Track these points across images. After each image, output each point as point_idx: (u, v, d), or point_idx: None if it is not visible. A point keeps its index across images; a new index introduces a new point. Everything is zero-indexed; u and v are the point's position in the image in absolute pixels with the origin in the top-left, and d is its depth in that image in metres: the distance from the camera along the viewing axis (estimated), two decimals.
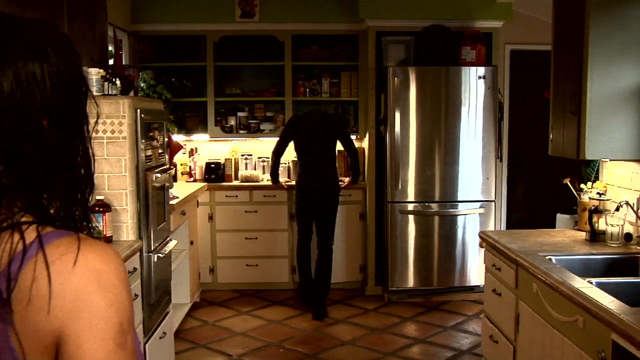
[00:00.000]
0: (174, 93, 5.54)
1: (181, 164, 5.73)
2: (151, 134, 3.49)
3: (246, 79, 5.96)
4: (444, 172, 5.21)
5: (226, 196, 5.53)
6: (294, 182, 5.27)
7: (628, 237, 2.97)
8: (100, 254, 0.83)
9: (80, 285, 0.80)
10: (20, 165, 0.83)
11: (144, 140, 3.32)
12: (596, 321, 2.11)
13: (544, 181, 5.90)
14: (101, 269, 0.82)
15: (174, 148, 5.00)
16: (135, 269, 3.20)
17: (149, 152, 3.45)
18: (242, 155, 5.86)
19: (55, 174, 0.86)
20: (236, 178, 5.75)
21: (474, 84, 5.16)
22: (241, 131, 5.80)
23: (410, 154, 5.18)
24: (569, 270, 2.58)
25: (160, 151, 3.71)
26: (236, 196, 5.53)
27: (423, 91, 5.16)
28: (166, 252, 3.66)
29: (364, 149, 5.66)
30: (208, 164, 5.69)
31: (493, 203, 5.29)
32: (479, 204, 5.26)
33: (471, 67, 5.15)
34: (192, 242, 5.00)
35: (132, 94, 3.74)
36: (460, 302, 5.26)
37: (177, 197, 4.47)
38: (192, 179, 5.74)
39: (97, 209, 3.02)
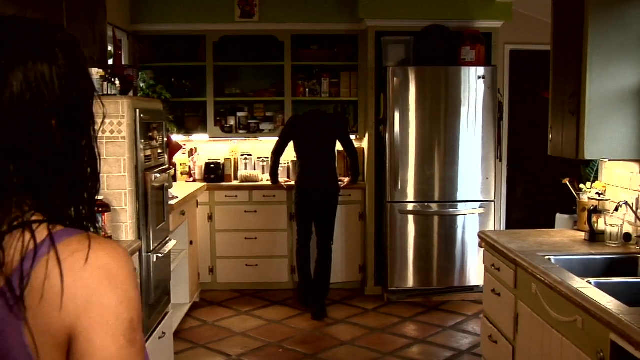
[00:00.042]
0: (174, 93, 5.54)
1: (181, 164, 5.73)
2: (150, 134, 3.49)
3: (246, 79, 5.96)
4: (443, 172, 5.21)
5: (226, 196, 5.53)
6: (293, 182, 5.27)
7: (627, 237, 2.97)
8: (111, 251, 0.85)
9: (91, 282, 0.82)
10: (30, 164, 0.84)
11: (143, 140, 3.32)
12: (595, 321, 2.11)
13: (544, 181, 5.90)
14: (112, 266, 0.84)
15: (173, 148, 5.00)
16: (134, 269, 3.19)
17: (148, 152, 3.45)
18: (242, 155, 5.86)
19: (63, 173, 0.88)
20: (236, 178, 5.75)
21: (473, 84, 5.16)
22: (241, 131, 5.80)
23: (410, 154, 5.18)
24: (568, 270, 2.58)
25: (159, 151, 3.72)
26: (236, 196, 5.53)
27: (423, 91, 5.16)
28: (165, 252, 3.66)
29: (363, 149, 5.66)
30: (207, 164, 5.69)
31: (492, 203, 5.30)
32: (479, 204, 5.26)
33: (471, 67, 5.15)
34: (191, 242, 5.00)
35: (131, 94, 3.74)
36: (460, 302, 5.26)
37: (177, 197, 4.47)
38: (191, 179, 5.74)
39: (96, 208, 3.02)
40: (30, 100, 0.83)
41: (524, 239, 3.17)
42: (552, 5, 3.38)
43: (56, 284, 0.80)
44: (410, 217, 5.23)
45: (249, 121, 5.81)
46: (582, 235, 3.21)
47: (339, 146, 5.15)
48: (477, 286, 5.15)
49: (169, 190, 4.08)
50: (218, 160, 5.73)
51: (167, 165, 3.91)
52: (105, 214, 3.07)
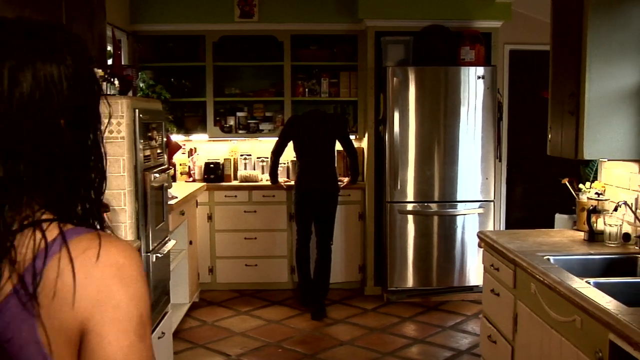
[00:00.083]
0: (173, 93, 5.54)
1: (180, 164, 5.74)
2: (150, 134, 3.49)
3: (245, 79, 5.96)
4: (443, 172, 5.21)
5: (225, 196, 5.53)
6: (293, 182, 5.27)
7: (626, 237, 2.97)
8: (121, 249, 0.87)
9: (103, 279, 0.83)
10: (40, 163, 0.86)
11: (142, 140, 3.32)
12: (594, 321, 2.10)
13: (543, 181, 5.90)
14: (122, 263, 0.85)
15: (172, 148, 5.00)
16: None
17: (148, 152, 3.45)
18: (241, 155, 5.86)
19: (72, 172, 0.90)
20: (235, 178, 5.75)
21: (473, 84, 5.16)
22: (240, 131, 5.80)
23: (410, 154, 5.18)
24: (567, 270, 2.58)
25: (158, 151, 3.72)
26: (235, 196, 5.53)
27: (422, 91, 5.16)
28: (165, 252, 3.66)
29: (363, 149, 5.66)
30: (207, 164, 5.69)
31: (492, 203, 5.30)
32: (478, 204, 5.26)
33: (470, 67, 5.15)
34: (191, 242, 4.99)
35: (130, 93, 3.74)
36: (459, 302, 5.26)
37: (176, 197, 4.47)
38: (191, 179, 5.74)
39: None
40: (40, 100, 0.85)
41: (523, 239, 3.17)
42: (552, 5, 3.38)
43: (68, 281, 0.81)
44: (410, 217, 5.23)
45: (249, 121, 5.81)
46: (581, 235, 3.21)
47: (338, 146, 5.15)
48: (477, 286, 5.15)
49: (169, 190, 4.09)
50: (217, 160, 5.73)
51: (166, 165, 3.91)
52: (105, 213, 3.07)
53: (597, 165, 3.46)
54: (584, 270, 2.75)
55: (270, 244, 5.55)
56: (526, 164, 6.12)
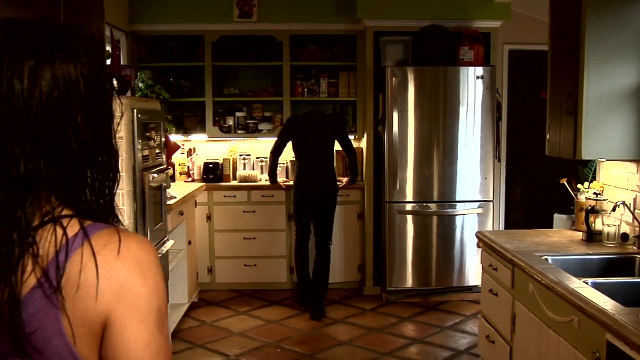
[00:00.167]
0: (172, 93, 5.53)
1: (179, 164, 5.74)
2: (148, 134, 3.49)
3: (244, 79, 5.96)
4: (442, 172, 5.21)
5: (224, 196, 5.53)
6: (292, 182, 5.27)
7: (624, 237, 2.97)
8: (140, 243, 0.90)
9: (124, 272, 0.87)
10: (59, 160, 0.89)
11: (140, 140, 3.32)
12: (591, 321, 2.11)
13: (543, 181, 5.89)
14: (142, 257, 0.89)
15: (171, 148, 4.99)
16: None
17: (146, 152, 3.46)
18: (240, 155, 5.86)
19: (89, 168, 0.93)
20: (234, 178, 5.75)
21: (472, 84, 5.15)
22: (239, 131, 5.79)
23: (409, 154, 5.18)
24: (565, 270, 2.58)
25: (157, 151, 3.72)
26: (234, 196, 5.53)
27: (421, 91, 5.16)
28: (163, 252, 3.66)
29: (362, 149, 5.66)
30: (206, 164, 5.69)
31: (491, 203, 5.29)
32: (477, 204, 5.26)
33: (469, 67, 5.15)
34: (190, 242, 4.99)
35: (129, 93, 3.74)
36: (458, 302, 5.26)
37: (175, 197, 4.47)
38: (190, 179, 5.74)
39: None
40: (58, 98, 0.87)
41: (522, 239, 3.17)
42: (550, 5, 3.38)
43: (92, 275, 0.85)
44: (409, 217, 5.23)
45: (248, 121, 5.80)
46: (579, 235, 3.21)
47: (337, 146, 5.15)
48: (476, 286, 5.14)
49: (167, 190, 4.09)
50: (217, 160, 5.73)
51: (165, 165, 3.91)
52: None
53: (595, 165, 3.46)
54: (582, 270, 2.75)
55: (269, 244, 5.55)
56: (525, 164, 6.12)
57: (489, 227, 5.24)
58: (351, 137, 5.38)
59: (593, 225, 3.09)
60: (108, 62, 4.01)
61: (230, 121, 5.78)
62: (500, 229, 5.84)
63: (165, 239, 3.81)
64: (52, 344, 0.84)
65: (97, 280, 0.85)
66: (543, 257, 2.79)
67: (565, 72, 3.12)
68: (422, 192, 5.22)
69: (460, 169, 5.21)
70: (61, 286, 0.83)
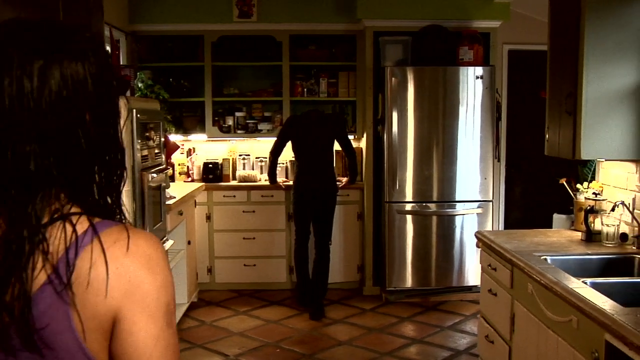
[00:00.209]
0: (172, 93, 5.53)
1: (179, 164, 5.74)
2: (147, 134, 3.50)
3: (244, 79, 5.96)
4: (441, 172, 5.21)
5: (224, 196, 5.53)
6: (291, 182, 5.27)
7: (624, 237, 2.97)
8: (148, 240, 0.92)
9: (133, 269, 0.88)
10: (68, 157, 0.90)
11: (140, 140, 3.32)
12: (590, 321, 2.10)
13: (542, 181, 5.89)
14: (150, 254, 0.91)
15: (170, 148, 4.99)
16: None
17: (145, 152, 3.46)
18: (240, 155, 5.86)
19: (97, 166, 0.95)
20: (234, 178, 5.75)
21: (471, 84, 5.15)
22: (239, 131, 5.79)
23: (408, 154, 5.18)
24: (564, 270, 2.58)
25: (156, 151, 3.72)
26: (234, 196, 5.53)
27: (421, 91, 5.16)
28: None
29: (361, 149, 5.66)
30: (206, 164, 5.69)
31: (491, 203, 5.29)
32: (477, 204, 5.26)
33: (469, 67, 5.15)
34: (189, 242, 4.99)
35: (128, 94, 3.74)
36: (458, 302, 5.26)
37: (175, 197, 4.47)
38: (189, 179, 5.74)
39: None
40: (67, 97, 0.89)
41: (521, 239, 3.17)
42: (549, 5, 3.38)
43: (102, 271, 0.86)
44: (409, 217, 5.23)
45: (247, 121, 5.80)
46: (578, 235, 3.21)
47: (337, 146, 5.15)
48: (475, 286, 5.14)
49: (167, 190, 4.09)
50: (216, 160, 5.73)
51: (164, 165, 3.91)
52: None
53: (594, 165, 3.45)
54: (581, 270, 2.75)
55: (269, 244, 5.55)
56: (525, 164, 6.12)
57: (489, 227, 5.24)
58: (351, 137, 5.38)
59: (592, 225, 3.09)
60: None
61: (229, 121, 5.78)
62: (500, 229, 5.85)
63: (165, 239, 3.81)
64: (62, 340, 0.85)
65: (107, 276, 0.86)
66: (542, 257, 2.79)
67: (564, 72, 3.12)
68: (422, 192, 5.22)
69: (460, 169, 5.20)
70: (71, 282, 0.85)
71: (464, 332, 4.62)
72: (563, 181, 3.43)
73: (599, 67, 2.90)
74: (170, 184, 4.49)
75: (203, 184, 5.52)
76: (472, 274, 5.24)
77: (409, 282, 5.27)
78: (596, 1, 2.89)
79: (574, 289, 2.28)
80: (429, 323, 4.81)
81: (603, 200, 3.18)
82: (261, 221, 5.51)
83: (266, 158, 5.56)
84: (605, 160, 3.26)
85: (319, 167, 5.03)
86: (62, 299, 0.84)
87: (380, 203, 5.36)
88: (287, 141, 5.11)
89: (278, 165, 5.37)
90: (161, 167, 3.77)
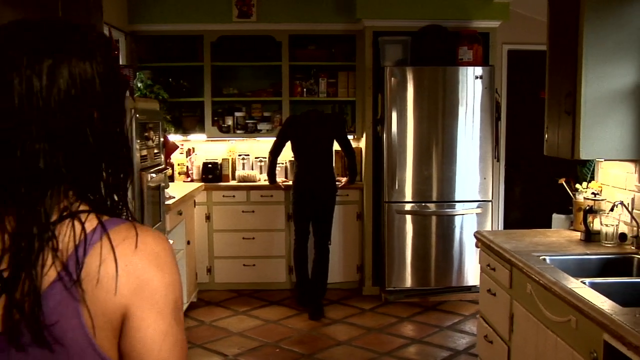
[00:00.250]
0: (172, 93, 5.54)
1: (178, 164, 5.74)
2: (146, 134, 3.50)
3: (243, 79, 5.96)
4: (441, 172, 5.21)
5: (223, 196, 5.53)
6: (291, 182, 5.27)
7: (623, 237, 2.97)
8: (156, 238, 0.93)
9: (142, 266, 0.89)
10: (77, 155, 0.91)
11: (139, 141, 3.32)
12: (588, 321, 2.10)
13: (542, 181, 5.89)
14: (158, 251, 0.92)
15: (170, 148, 4.99)
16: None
17: (144, 152, 3.46)
18: (240, 155, 5.86)
19: (105, 163, 0.96)
20: (233, 178, 5.75)
21: (471, 84, 5.15)
22: (238, 131, 5.79)
23: (408, 154, 5.18)
24: (563, 270, 2.58)
25: (155, 151, 3.72)
26: (233, 196, 5.53)
27: (420, 91, 5.16)
28: None
29: (361, 149, 5.66)
30: (205, 164, 5.69)
31: (490, 203, 5.29)
32: (476, 204, 5.26)
33: (468, 67, 5.15)
34: (189, 242, 5.00)
35: (128, 94, 3.74)
36: (457, 302, 5.26)
37: (174, 197, 4.47)
38: (189, 178, 5.74)
39: None
40: (76, 95, 0.90)
41: (520, 239, 3.17)
42: (548, 5, 3.38)
43: (111, 269, 0.87)
44: (408, 217, 5.23)
45: (247, 121, 5.80)
46: (578, 235, 3.21)
47: (336, 146, 5.15)
48: (475, 286, 5.14)
49: (166, 190, 4.09)
50: (216, 160, 5.73)
51: (163, 165, 3.91)
52: None
53: (594, 165, 3.45)
54: (580, 270, 2.75)
55: (269, 244, 5.54)
56: (524, 164, 6.12)
57: (488, 227, 5.24)
58: (350, 137, 5.38)
59: (591, 225, 3.09)
60: None
61: (229, 121, 5.78)
62: (499, 229, 5.85)
63: None
64: (72, 336, 0.86)
65: (117, 274, 0.87)
66: (541, 257, 2.79)
67: (564, 72, 3.12)
68: (421, 192, 5.22)
69: (459, 169, 5.21)
70: (81, 279, 0.86)
71: (463, 332, 4.62)
72: (562, 181, 3.43)
73: (598, 67, 2.90)
74: (170, 184, 4.49)
75: (202, 184, 5.52)
76: (472, 274, 5.24)
77: (408, 282, 5.27)
78: (596, 1, 2.88)
79: (573, 289, 2.28)
80: (428, 323, 4.81)
81: (602, 200, 3.18)
82: (261, 221, 5.51)
83: (265, 158, 5.56)
84: (605, 160, 3.26)
85: (319, 167, 5.03)
86: (72, 295, 0.85)
87: (379, 203, 5.36)
88: (287, 141, 5.11)
89: (277, 165, 5.37)
90: (160, 167, 3.77)
